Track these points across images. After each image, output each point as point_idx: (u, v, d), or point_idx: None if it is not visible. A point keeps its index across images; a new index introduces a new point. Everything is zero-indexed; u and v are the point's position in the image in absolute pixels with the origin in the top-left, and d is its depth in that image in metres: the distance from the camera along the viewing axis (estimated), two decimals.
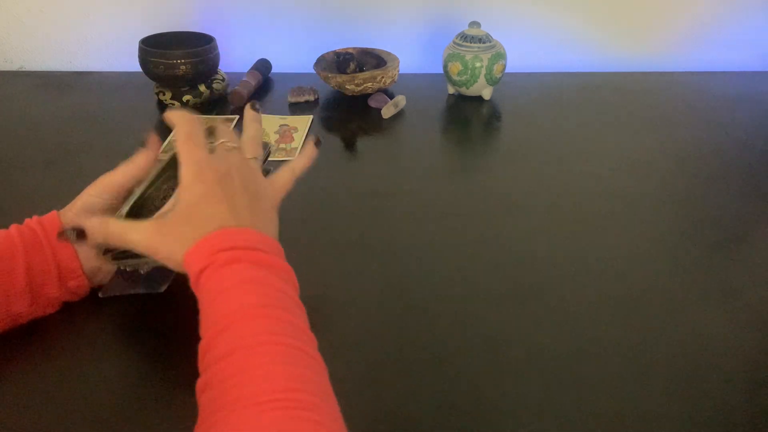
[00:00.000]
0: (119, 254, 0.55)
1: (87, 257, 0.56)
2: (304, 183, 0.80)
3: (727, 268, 0.66)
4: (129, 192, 0.57)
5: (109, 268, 0.58)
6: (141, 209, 0.55)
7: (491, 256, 0.67)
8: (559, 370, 0.53)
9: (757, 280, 0.64)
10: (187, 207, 0.49)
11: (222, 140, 0.54)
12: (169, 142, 0.58)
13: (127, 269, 0.58)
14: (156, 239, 0.48)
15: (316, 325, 0.45)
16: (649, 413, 0.50)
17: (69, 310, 0.57)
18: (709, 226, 0.73)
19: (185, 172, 0.50)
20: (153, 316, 0.58)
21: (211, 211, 0.48)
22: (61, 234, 0.52)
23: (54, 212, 0.56)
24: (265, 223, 0.52)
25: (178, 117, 0.54)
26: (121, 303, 0.59)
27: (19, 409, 0.49)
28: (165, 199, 0.55)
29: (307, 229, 0.71)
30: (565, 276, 0.64)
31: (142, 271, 0.58)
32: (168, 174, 0.58)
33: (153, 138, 0.59)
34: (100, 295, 0.58)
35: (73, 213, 0.56)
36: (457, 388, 0.52)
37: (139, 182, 0.57)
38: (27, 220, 0.55)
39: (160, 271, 0.58)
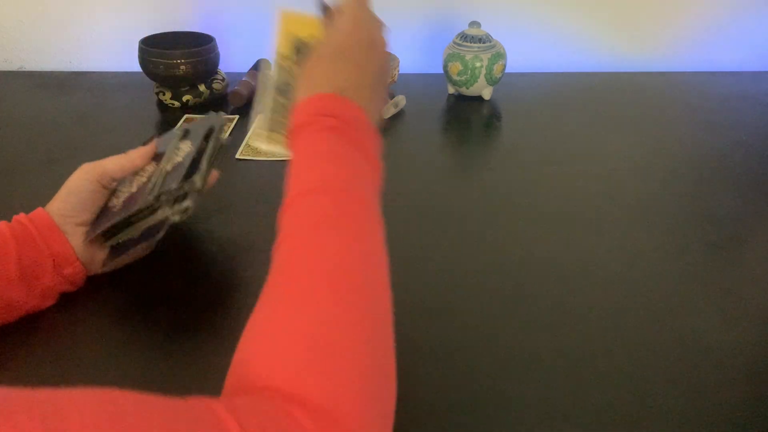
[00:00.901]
0: (106, 233, 0.58)
1: (79, 247, 0.57)
2: None
3: (727, 267, 0.66)
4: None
5: (102, 255, 0.60)
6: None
7: (491, 256, 0.67)
8: (558, 370, 0.53)
9: (757, 280, 0.64)
10: (328, 55, 0.49)
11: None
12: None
13: (119, 243, 0.60)
14: (309, 68, 0.49)
15: None
16: (650, 412, 0.49)
17: (67, 301, 0.58)
18: (709, 226, 0.73)
19: (345, 19, 0.52)
20: (150, 306, 0.58)
21: (341, 71, 0.48)
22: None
23: (39, 208, 0.57)
24: (378, 104, 0.51)
25: None
26: (118, 294, 0.60)
27: None
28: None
29: None
30: (565, 275, 0.64)
31: (131, 240, 0.60)
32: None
33: (154, 143, 0.63)
34: (101, 270, 0.60)
35: (60, 201, 0.58)
36: (456, 388, 0.52)
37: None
38: (15, 217, 0.56)
39: (150, 231, 0.60)
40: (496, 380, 0.52)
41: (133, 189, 0.60)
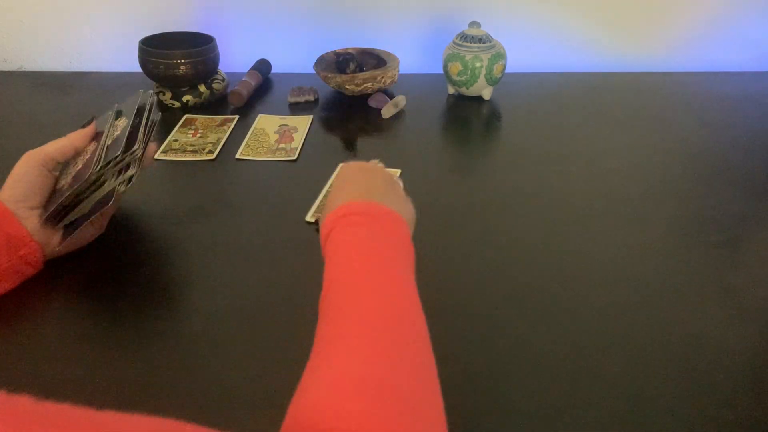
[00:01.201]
0: (59, 213, 0.60)
1: (35, 229, 0.59)
2: (303, 183, 0.80)
3: (727, 267, 0.66)
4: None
5: (57, 239, 0.62)
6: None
7: (491, 256, 0.67)
8: (559, 370, 0.53)
9: (757, 280, 0.64)
10: (336, 186, 0.57)
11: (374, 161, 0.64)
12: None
13: (71, 221, 0.62)
14: (340, 187, 0.56)
15: (313, 325, 0.45)
16: (650, 411, 0.50)
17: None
18: (709, 226, 0.73)
19: (347, 167, 0.60)
20: (148, 309, 0.58)
21: (349, 190, 0.54)
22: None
23: None
24: (400, 204, 0.57)
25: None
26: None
27: None
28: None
29: (306, 229, 0.71)
30: (565, 275, 0.64)
31: (82, 216, 0.62)
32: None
33: (93, 124, 0.67)
34: (57, 252, 0.63)
35: (8, 187, 0.60)
36: (456, 388, 0.51)
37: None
38: None
39: (98, 205, 0.62)
40: (496, 380, 0.52)
41: (79, 167, 0.63)
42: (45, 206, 0.62)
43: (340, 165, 0.62)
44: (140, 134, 0.64)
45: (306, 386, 0.36)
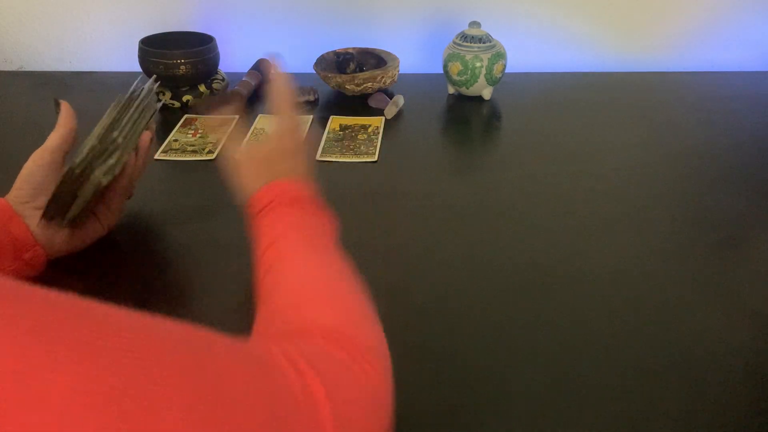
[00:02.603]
0: (58, 211, 0.59)
1: (40, 228, 0.59)
2: None
3: (727, 267, 0.66)
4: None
5: (62, 235, 0.61)
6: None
7: (491, 256, 0.67)
8: (559, 370, 0.53)
9: (758, 280, 0.64)
10: (275, 151, 0.58)
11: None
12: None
13: (75, 218, 0.61)
14: (244, 167, 0.59)
15: None
16: (650, 412, 0.50)
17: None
18: (709, 226, 0.73)
19: (284, 124, 0.61)
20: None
21: (290, 165, 0.58)
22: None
23: (1, 198, 0.60)
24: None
25: (277, 81, 0.61)
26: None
27: None
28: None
29: None
30: (565, 275, 0.64)
31: (83, 212, 0.61)
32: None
33: (64, 105, 0.65)
34: (63, 252, 0.62)
35: (16, 189, 0.60)
36: (457, 389, 0.52)
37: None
38: None
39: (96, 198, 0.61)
40: (497, 381, 0.52)
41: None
42: None
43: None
44: (124, 121, 0.61)
45: (285, 295, 0.45)
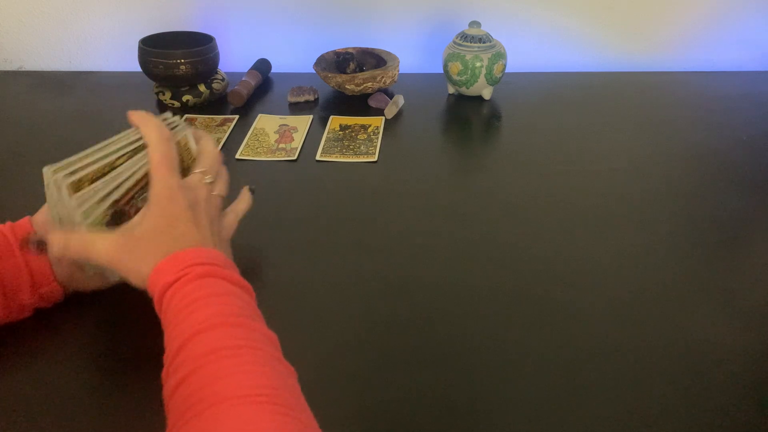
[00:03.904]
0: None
1: (59, 262, 0.55)
2: (303, 183, 0.80)
3: (727, 267, 0.66)
4: (84, 196, 0.53)
5: (81, 273, 0.57)
6: (113, 220, 0.53)
7: (491, 256, 0.67)
8: (559, 371, 0.53)
9: (759, 280, 0.64)
10: (156, 225, 0.50)
11: (201, 170, 0.56)
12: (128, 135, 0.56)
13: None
14: (122, 253, 0.50)
15: (313, 326, 0.45)
16: (650, 413, 0.49)
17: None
18: (709, 226, 0.73)
19: (158, 192, 0.51)
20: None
21: (182, 231, 0.50)
22: (23, 245, 0.53)
23: (26, 218, 0.56)
24: (227, 253, 0.55)
25: (150, 129, 0.53)
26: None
27: None
28: (126, 211, 0.54)
29: (307, 230, 0.71)
30: (565, 276, 0.64)
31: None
32: (140, 187, 0.55)
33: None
34: (79, 289, 0.58)
35: (42, 216, 0.56)
36: (455, 390, 0.52)
37: (96, 186, 0.53)
38: (0, 226, 0.55)
39: None
40: (497, 380, 0.52)
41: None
42: None
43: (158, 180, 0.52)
44: (118, 173, 0.54)
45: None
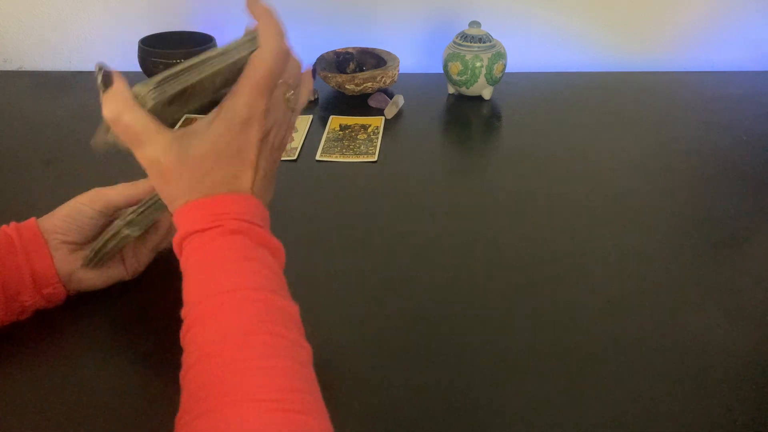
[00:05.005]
0: (93, 258, 0.56)
1: (63, 262, 0.55)
2: (303, 183, 0.80)
3: (727, 267, 0.66)
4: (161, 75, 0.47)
5: (83, 274, 0.57)
6: (173, 100, 0.47)
7: (491, 256, 0.67)
8: (559, 370, 0.53)
9: (757, 280, 0.64)
10: (216, 149, 0.44)
11: (284, 81, 0.48)
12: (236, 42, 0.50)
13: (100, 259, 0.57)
14: (171, 171, 0.44)
15: (314, 326, 0.45)
16: (650, 413, 0.49)
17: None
18: (709, 226, 0.73)
19: (237, 109, 0.44)
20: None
21: (237, 172, 0.45)
22: (98, 71, 0.46)
23: (32, 219, 0.56)
24: (269, 194, 0.50)
25: (270, 36, 0.47)
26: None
27: None
28: (206, 94, 0.48)
29: (307, 229, 0.71)
30: (565, 276, 0.64)
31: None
32: (220, 74, 0.48)
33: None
34: (82, 289, 0.58)
35: (57, 218, 0.56)
36: (456, 389, 0.52)
37: (177, 70, 0.46)
38: (4, 227, 0.55)
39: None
40: (496, 380, 0.52)
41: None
42: (85, 243, 0.58)
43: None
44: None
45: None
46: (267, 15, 0.47)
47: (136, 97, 0.44)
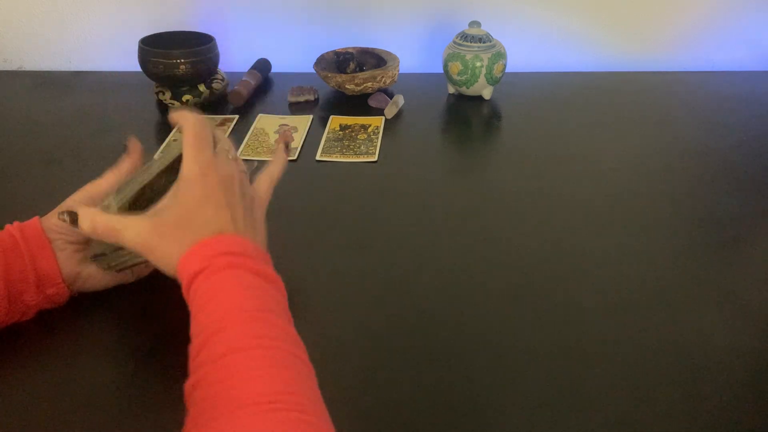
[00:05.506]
0: (98, 255, 0.56)
1: (67, 263, 0.55)
2: (303, 183, 0.80)
3: (727, 267, 0.66)
4: (120, 185, 0.55)
5: (88, 273, 0.57)
6: (135, 202, 0.53)
7: (491, 256, 0.67)
8: (559, 370, 0.53)
9: (758, 281, 0.64)
10: (186, 207, 0.49)
11: (223, 147, 0.54)
12: (168, 142, 0.56)
13: (111, 265, 0.57)
14: (152, 239, 0.48)
15: (314, 326, 0.45)
16: (650, 413, 0.49)
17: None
18: (709, 226, 0.73)
19: (188, 170, 0.50)
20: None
21: (212, 215, 0.49)
22: (60, 215, 0.50)
23: (36, 218, 0.55)
24: (259, 234, 0.53)
25: (186, 117, 0.53)
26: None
27: None
28: (161, 194, 0.52)
29: (307, 229, 0.71)
30: (565, 276, 0.64)
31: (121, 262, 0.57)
32: (167, 173, 0.56)
33: (133, 142, 0.59)
34: (89, 289, 0.58)
35: (53, 219, 0.55)
36: (455, 388, 0.52)
37: (133, 176, 0.55)
38: (7, 226, 0.54)
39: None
40: (496, 380, 0.52)
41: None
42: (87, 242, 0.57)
43: (185, 147, 0.51)
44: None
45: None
46: (181, 113, 0.53)
47: (102, 208, 0.51)
